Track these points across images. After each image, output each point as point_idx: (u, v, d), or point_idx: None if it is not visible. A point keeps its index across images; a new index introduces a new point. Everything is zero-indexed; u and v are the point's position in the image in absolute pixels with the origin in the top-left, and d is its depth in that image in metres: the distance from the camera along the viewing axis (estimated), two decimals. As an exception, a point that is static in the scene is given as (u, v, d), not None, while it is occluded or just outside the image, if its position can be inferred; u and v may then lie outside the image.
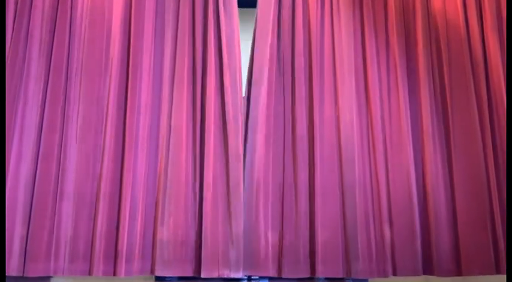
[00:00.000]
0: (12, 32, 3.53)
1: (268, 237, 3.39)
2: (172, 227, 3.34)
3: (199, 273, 3.28)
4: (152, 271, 3.29)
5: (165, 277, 3.47)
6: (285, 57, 3.78)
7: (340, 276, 3.37)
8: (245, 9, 6.20)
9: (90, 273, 3.23)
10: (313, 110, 3.63)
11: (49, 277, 3.35)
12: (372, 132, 3.64)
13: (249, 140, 3.55)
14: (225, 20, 3.79)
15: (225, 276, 3.33)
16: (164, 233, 3.32)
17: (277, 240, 3.41)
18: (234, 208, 3.39)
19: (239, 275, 3.35)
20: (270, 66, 3.73)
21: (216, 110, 3.57)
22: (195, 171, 3.47)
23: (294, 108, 3.62)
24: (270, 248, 3.38)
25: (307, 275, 3.37)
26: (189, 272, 3.31)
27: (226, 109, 3.56)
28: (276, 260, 3.38)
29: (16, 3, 3.59)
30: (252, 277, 3.99)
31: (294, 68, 3.72)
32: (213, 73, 3.66)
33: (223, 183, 3.43)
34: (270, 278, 3.74)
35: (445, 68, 3.77)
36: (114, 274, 3.24)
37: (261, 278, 3.55)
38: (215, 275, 3.27)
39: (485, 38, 3.78)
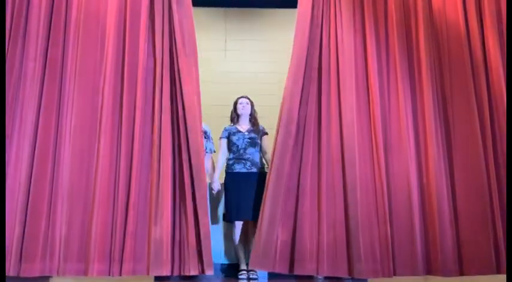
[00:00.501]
0: (10, 34, 3.53)
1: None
2: (165, 227, 3.36)
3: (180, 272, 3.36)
4: (147, 271, 3.30)
5: (165, 277, 3.47)
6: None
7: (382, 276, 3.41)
8: (245, 9, 6.23)
9: (85, 273, 3.23)
10: (321, 112, 3.68)
11: (48, 277, 3.35)
12: (373, 132, 3.65)
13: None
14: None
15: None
16: (157, 233, 3.34)
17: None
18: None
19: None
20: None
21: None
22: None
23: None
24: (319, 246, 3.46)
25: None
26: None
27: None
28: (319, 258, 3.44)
29: (13, 6, 3.60)
30: (251, 276, 4.01)
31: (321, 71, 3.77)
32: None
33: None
34: (270, 275, 3.76)
35: (445, 68, 3.77)
36: (109, 274, 3.24)
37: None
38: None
39: (485, 38, 3.78)
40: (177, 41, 3.61)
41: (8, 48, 3.51)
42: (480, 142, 3.57)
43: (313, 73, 3.74)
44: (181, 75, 3.56)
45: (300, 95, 3.65)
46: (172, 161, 3.48)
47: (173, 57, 3.62)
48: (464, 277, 3.42)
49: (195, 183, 3.44)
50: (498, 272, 3.35)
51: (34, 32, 3.56)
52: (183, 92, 3.54)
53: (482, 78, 3.70)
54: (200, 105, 3.61)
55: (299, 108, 3.64)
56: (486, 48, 3.76)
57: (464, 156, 3.60)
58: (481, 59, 3.74)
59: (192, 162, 3.46)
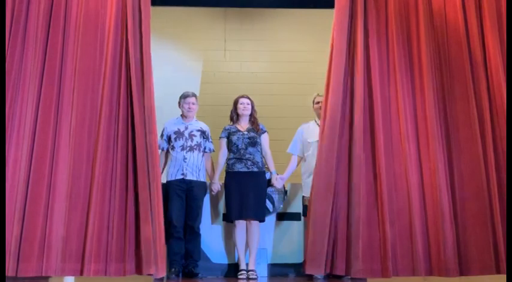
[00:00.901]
0: (10, 34, 3.53)
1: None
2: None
3: None
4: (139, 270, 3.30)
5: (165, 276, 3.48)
6: None
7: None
8: (245, 9, 6.23)
9: (81, 273, 3.24)
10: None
11: (47, 277, 3.35)
12: (375, 132, 3.65)
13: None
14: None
15: None
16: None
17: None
18: None
19: None
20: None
21: None
22: None
23: None
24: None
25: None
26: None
27: None
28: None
29: (13, 7, 3.60)
30: (251, 276, 4.01)
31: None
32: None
33: None
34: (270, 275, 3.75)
35: (445, 69, 3.77)
36: (105, 274, 3.25)
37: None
38: None
39: (485, 38, 3.77)
40: (129, 43, 3.61)
41: (7, 49, 3.51)
42: (480, 142, 3.57)
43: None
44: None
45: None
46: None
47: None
48: (464, 277, 3.41)
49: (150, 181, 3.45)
50: (498, 272, 3.35)
51: (33, 33, 3.56)
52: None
53: (482, 78, 3.69)
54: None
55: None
56: (486, 48, 3.75)
57: (464, 156, 3.59)
58: (481, 59, 3.74)
59: (138, 161, 3.46)
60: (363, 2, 3.83)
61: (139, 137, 3.47)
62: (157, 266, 3.28)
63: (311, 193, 3.67)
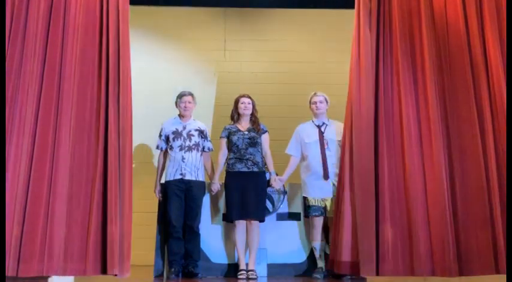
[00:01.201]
0: (9, 34, 3.53)
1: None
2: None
3: None
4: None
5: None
6: None
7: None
8: (245, 9, 6.23)
9: (84, 272, 3.23)
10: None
11: (47, 276, 3.34)
12: (376, 132, 3.65)
13: None
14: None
15: None
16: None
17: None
18: None
19: None
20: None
21: None
22: None
23: None
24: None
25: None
26: None
27: None
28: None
29: (13, 6, 3.59)
30: (250, 276, 4.01)
31: None
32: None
33: None
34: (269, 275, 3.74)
35: (445, 69, 3.76)
36: (105, 273, 3.24)
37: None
38: None
39: (485, 38, 3.77)
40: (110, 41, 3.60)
41: (7, 49, 3.50)
42: (480, 142, 3.56)
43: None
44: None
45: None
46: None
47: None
48: (464, 277, 3.41)
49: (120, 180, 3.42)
50: (498, 272, 3.34)
51: (33, 32, 3.56)
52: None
53: (483, 78, 3.68)
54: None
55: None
56: (486, 48, 3.74)
57: (465, 156, 3.58)
58: (481, 59, 3.73)
59: (109, 161, 3.42)
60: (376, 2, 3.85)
61: (111, 136, 3.44)
62: (123, 266, 3.25)
63: (357, 194, 3.61)
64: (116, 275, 3.23)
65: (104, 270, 3.25)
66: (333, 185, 4.12)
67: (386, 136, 3.65)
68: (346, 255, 3.55)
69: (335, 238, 3.76)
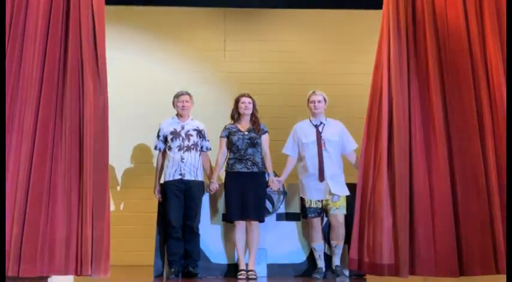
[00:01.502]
0: (9, 34, 3.53)
1: None
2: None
3: None
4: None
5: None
6: None
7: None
8: (244, 9, 6.24)
9: (80, 273, 3.23)
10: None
11: (47, 277, 3.34)
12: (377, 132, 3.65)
13: None
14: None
15: None
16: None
17: None
18: None
19: None
20: None
21: None
22: None
23: None
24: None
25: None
26: None
27: None
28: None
29: (12, 6, 3.59)
30: (250, 276, 4.01)
31: None
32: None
33: None
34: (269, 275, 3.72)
35: (446, 69, 3.76)
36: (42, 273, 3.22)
37: None
38: None
39: (485, 38, 3.76)
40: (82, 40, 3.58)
41: (7, 49, 3.50)
42: (480, 143, 3.56)
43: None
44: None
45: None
46: None
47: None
48: (464, 277, 3.41)
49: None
50: (498, 272, 3.34)
51: (32, 32, 3.55)
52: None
53: (483, 78, 3.67)
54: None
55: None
56: (486, 48, 3.74)
57: (464, 156, 3.58)
58: (481, 59, 3.73)
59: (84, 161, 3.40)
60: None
61: (87, 135, 3.42)
62: (99, 266, 3.24)
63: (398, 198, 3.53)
64: (90, 275, 3.22)
65: (79, 271, 3.24)
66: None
67: (387, 136, 3.64)
68: (386, 258, 3.45)
69: (369, 241, 3.58)
